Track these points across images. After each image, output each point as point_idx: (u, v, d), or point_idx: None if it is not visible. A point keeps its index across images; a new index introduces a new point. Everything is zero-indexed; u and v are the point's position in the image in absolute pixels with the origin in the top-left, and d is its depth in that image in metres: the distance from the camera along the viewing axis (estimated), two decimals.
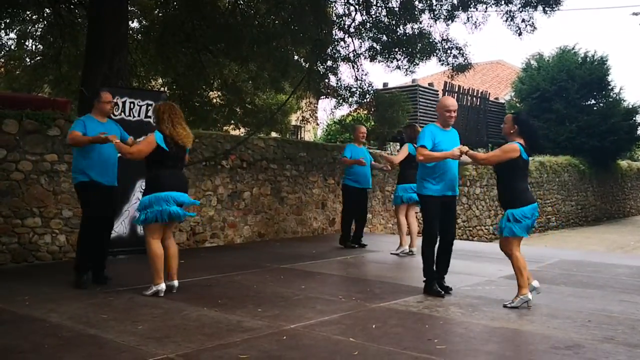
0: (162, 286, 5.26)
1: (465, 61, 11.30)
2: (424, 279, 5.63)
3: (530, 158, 5.54)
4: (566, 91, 22.29)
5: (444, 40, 11.12)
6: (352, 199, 8.77)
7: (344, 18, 11.25)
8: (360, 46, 11.39)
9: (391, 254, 8.23)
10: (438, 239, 5.58)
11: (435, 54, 11.14)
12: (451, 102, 5.76)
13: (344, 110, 23.80)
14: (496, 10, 10.65)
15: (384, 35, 10.95)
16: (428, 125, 5.69)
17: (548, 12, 10.17)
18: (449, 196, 5.56)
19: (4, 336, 3.96)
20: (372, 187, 9.22)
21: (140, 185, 7.71)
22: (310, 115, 15.89)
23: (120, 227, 7.50)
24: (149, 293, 5.25)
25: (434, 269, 5.59)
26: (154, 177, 5.28)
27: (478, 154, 5.50)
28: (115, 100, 5.98)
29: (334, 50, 11.03)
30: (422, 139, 5.47)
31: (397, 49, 10.96)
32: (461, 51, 11.18)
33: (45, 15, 12.35)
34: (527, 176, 5.23)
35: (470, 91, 20.68)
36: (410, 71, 11.43)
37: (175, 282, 5.41)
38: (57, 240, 7.19)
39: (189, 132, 5.43)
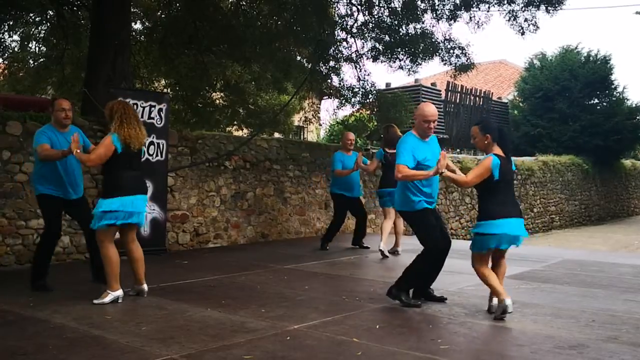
0: (121, 292, 5.02)
1: (468, 61, 11.30)
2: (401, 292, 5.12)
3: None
4: (569, 90, 22.26)
5: (446, 40, 11.12)
6: (345, 208, 8.73)
7: (346, 18, 11.26)
8: (363, 46, 11.40)
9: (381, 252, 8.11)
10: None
11: (437, 54, 11.14)
12: (431, 111, 5.13)
13: (347, 110, 23.76)
14: (499, 10, 10.66)
15: (387, 36, 10.95)
16: (407, 136, 5.16)
17: (551, 11, 10.17)
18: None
19: (8, 337, 3.97)
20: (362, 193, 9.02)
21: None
22: (312, 115, 15.92)
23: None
24: (107, 300, 4.91)
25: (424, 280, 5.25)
26: (114, 180, 5.04)
27: (458, 177, 4.88)
28: (67, 107, 5.52)
29: (336, 51, 11.03)
30: (402, 155, 4.97)
31: (399, 49, 10.96)
32: (464, 51, 11.18)
33: (48, 17, 12.38)
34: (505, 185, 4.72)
35: (473, 91, 20.67)
36: (412, 71, 11.44)
37: (145, 287, 5.23)
38: (60, 241, 7.17)
39: (139, 132, 5.11)
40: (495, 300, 4.74)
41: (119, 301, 5.00)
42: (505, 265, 4.95)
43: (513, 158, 5.02)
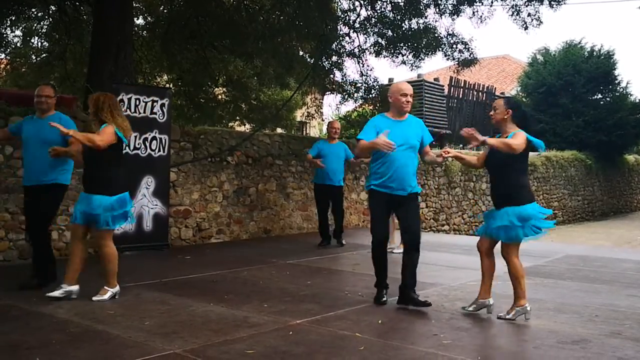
0: (117, 288, 4.99)
1: (471, 56, 11.27)
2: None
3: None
4: (572, 85, 22.18)
5: (449, 35, 11.09)
6: (317, 198, 8.66)
7: (349, 13, 11.24)
8: (366, 41, 11.39)
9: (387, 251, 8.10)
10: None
11: (440, 49, 11.12)
12: (407, 85, 4.85)
13: (350, 105, 23.73)
14: (502, 5, 10.63)
15: (389, 31, 10.93)
16: (376, 116, 4.98)
17: (554, 5, 10.14)
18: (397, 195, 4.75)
19: (12, 332, 3.98)
20: (342, 184, 8.61)
21: (146, 182, 7.74)
22: (315, 111, 15.87)
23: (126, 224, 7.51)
24: (107, 297, 4.90)
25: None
26: (116, 176, 4.88)
27: (506, 140, 4.40)
28: (44, 93, 5.32)
29: (339, 46, 11.02)
30: (363, 130, 4.76)
31: (402, 44, 10.94)
32: (467, 46, 11.15)
33: (50, 12, 12.38)
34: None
35: (476, 86, 20.62)
36: (415, 66, 11.43)
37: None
38: (63, 236, 7.21)
39: (128, 123, 5.01)
40: (490, 300, 4.64)
41: (116, 297, 4.98)
42: None
43: None
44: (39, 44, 13.73)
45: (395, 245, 8.18)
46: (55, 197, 5.40)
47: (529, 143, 4.42)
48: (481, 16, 10.63)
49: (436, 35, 10.96)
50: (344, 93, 11.88)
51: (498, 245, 4.60)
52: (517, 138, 4.38)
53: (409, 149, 4.76)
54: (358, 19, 11.08)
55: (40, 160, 5.23)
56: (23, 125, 5.45)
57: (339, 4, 11.53)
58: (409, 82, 19.93)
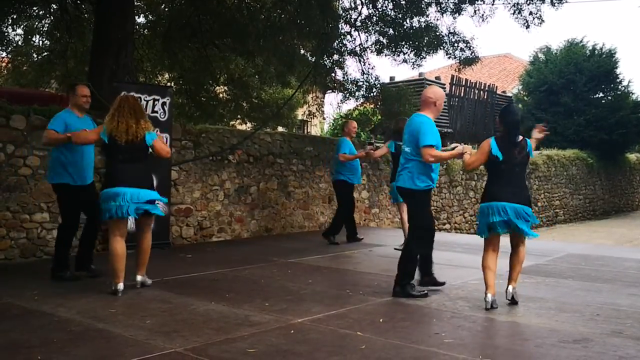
0: (119, 286, 5.02)
1: (473, 54, 11.26)
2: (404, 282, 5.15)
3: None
4: (574, 84, 22.17)
5: (451, 33, 11.08)
6: (351, 194, 8.71)
7: (350, 12, 11.23)
8: (367, 40, 11.37)
9: (395, 249, 8.18)
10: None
11: (442, 47, 11.10)
12: (441, 93, 5.28)
13: (351, 104, 23.75)
14: (503, 3, 10.61)
15: (391, 29, 10.91)
16: (423, 117, 5.14)
17: (556, 4, 10.12)
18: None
19: (13, 330, 3.98)
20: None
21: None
22: (316, 109, 15.87)
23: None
24: (110, 291, 5.03)
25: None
26: (107, 172, 5.34)
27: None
28: (87, 94, 5.72)
29: (340, 44, 11.01)
30: (427, 135, 4.92)
31: (403, 43, 10.92)
32: (468, 44, 11.13)
33: (51, 11, 12.36)
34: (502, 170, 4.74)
35: (478, 85, 20.60)
36: (417, 65, 11.41)
37: (139, 277, 5.30)
38: None
39: (131, 124, 5.07)
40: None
41: (119, 294, 5.01)
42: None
43: None
44: (40, 42, 13.71)
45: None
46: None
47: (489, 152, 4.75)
48: (483, 15, 10.62)
49: (437, 33, 10.93)
50: (345, 92, 11.87)
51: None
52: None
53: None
54: (359, 17, 11.07)
55: (87, 158, 5.65)
56: (71, 124, 5.53)
57: (341, 2, 11.52)
58: (410, 80, 19.93)
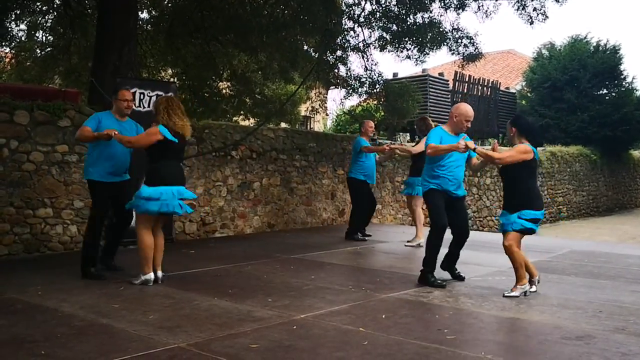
0: (151, 276, 5.27)
1: (476, 51, 11.22)
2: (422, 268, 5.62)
3: (541, 148, 5.54)
4: (578, 80, 22.10)
5: (454, 29, 11.04)
6: (365, 193, 8.71)
7: (353, 7, 11.19)
8: (370, 36, 11.34)
9: (405, 245, 8.17)
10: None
11: (445, 44, 11.07)
12: (472, 112, 5.74)
13: (354, 100, 23.68)
14: None
15: (394, 25, 10.88)
16: (437, 128, 5.81)
17: (560, 0, 10.06)
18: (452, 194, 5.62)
19: (17, 325, 4.00)
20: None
21: None
22: (319, 105, 15.85)
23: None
24: (138, 282, 5.26)
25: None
26: (155, 170, 5.28)
27: (492, 153, 5.29)
28: (129, 98, 5.77)
29: (343, 40, 10.98)
30: (431, 138, 5.59)
31: (407, 39, 10.89)
32: (472, 40, 11.09)
33: (55, 6, 12.36)
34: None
35: (481, 81, 20.56)
36: (420, 61, 11.37)
37: (160, 273, 5.40)
38: (68, 230, 7.24)
39: (186, 122, 5.39)
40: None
41: (149, 284, 5.25)
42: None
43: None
44: (44, 38, 13.70)
45: (421, 240, 8.06)
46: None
47: (533, 154, 5.06)
48: (486, 11, 10.58)
49: (441, 29, 10.90)
50: (349, 88, 11.85)
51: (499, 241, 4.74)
52: (509, 151, 5.14)
53: (462, 159, 5.67)
54: (363, 13, 11.03)
55: (123, 158, 5.68)
56: (106, 125, 5.53)
57: None
58: (413, 77, 19.90)
